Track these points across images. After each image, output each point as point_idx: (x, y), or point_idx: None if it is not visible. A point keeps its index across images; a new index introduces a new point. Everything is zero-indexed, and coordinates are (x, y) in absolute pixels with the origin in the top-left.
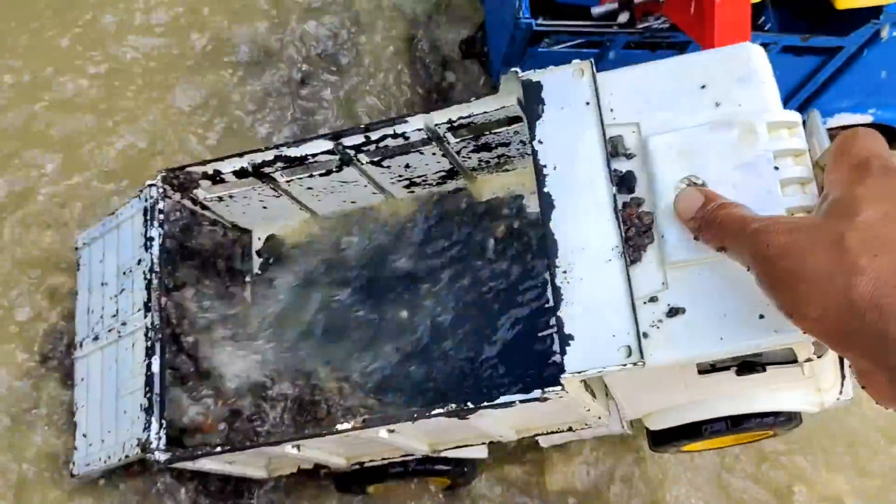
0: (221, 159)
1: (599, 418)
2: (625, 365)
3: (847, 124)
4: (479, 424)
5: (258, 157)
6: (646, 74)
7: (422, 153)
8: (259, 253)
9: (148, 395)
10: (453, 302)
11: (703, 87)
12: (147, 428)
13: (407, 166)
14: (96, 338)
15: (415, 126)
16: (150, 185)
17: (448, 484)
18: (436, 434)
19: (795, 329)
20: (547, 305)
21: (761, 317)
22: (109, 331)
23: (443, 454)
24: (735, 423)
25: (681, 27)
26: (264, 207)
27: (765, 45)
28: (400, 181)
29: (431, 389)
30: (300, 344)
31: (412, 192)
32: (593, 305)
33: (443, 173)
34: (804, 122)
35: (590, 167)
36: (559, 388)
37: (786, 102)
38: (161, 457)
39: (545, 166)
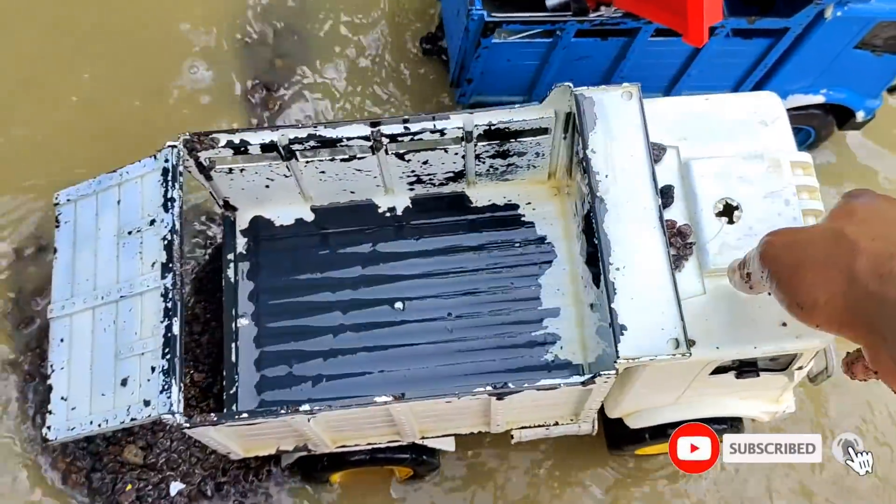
0: (252, 130)
1: (590, 411)
2: (673, 355)
3: (801, 105)
4: (496, 409)
5: (292, 133)
6: (683, 106)
7: (445, 151)
8: (244, 233)
9: (168, 357)
10: (449, 299)
11: (734, 124)
12: (166, 390)
13: (425, 163)
14: (85, 298)
15: (455, 124)
16: (172, 146)
17: (411, 473)
18: (436, 420)
19: (813, 335)
20: (540, 308)
21: (784, 324)
22: (105, 292)
23: (400, 444)
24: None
25: (651, 18)
26: (266, 187)
27: (713, 29)
28: (408, 177)
29: (424, 379)
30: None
31: (412, 189)
32: (644, 302)
33: (451, 174)
34: None
35: (638, 180)
36: (613, 372)
37: (739, 86)
38: (182, 420)
39: (598, 173)
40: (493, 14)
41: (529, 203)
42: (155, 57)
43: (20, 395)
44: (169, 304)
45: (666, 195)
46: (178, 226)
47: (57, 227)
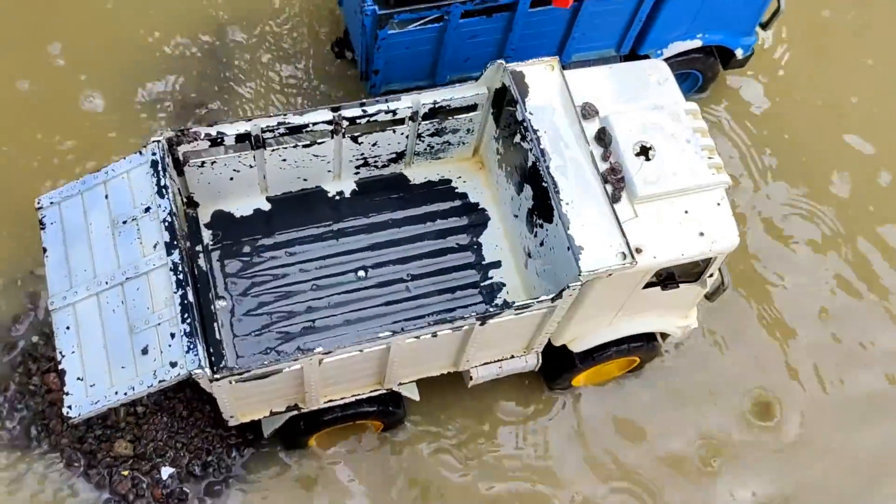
0: (228, 122)
1: (540, 346)
2: (623, 264)
3: (683, 51)
4: (473, 340)
5: (263, 122)
6: (593, 74)
7: (394, 132)
8: (208, 226)
9: (189, 321)
10: (405, 264)
11: (635, 85)
12: (192, 349)
13: (374, 144)
14: (87, 286)
15: (405, 104)
16: (156, 141)
17: (382, 427)
18: (415, 363)
19: (724, 239)
20: (483, 262)
21: (701, 234)
22: (108, 277)
23: (369, 396)
24: (618, 347)
25: None
26: (230, 179)
27: None
28: (357, 160)
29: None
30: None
31: (358, 172)
32: (592, 227)
33: (393, 155)
34: None
35: (570, 132)
36: (579, 284)
37: (622, 42)
38: (211, 374)
39: (537, 130)
40: (384, 8)
41: (460, 177)
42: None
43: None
44: (180, 276)
45: (602, 138)
46: (175, 209)
47: (42, 229)
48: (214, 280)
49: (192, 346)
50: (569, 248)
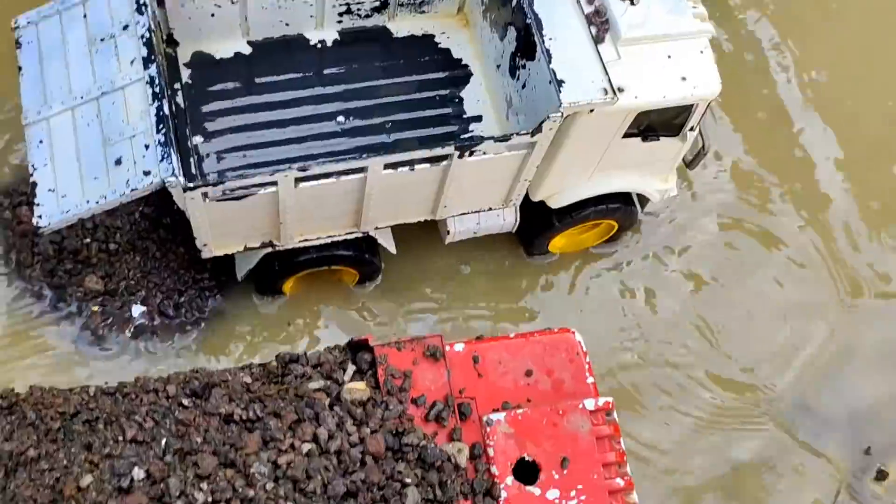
0: None
1: (518, 198)
2: (605, 100)
3: None
4: (452, 178)
5: None
6: None
7: None
8: (187, 65)
9: (164, 132)
10: (385, 114)
11: None
12: (166, 158)
13: None
14: (62, 101)
15: None
16: None
17: (358, 278)
18: (392, 204)
19: (707, 86)
20: (465, 116)
21: (684, 78)
22: (84, 92)
23: (345, 240)
24: (596, 207)
25: None
26: (211, 15)
27: None
28: (339, 7)
29: None
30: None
31: (340, 21)
32: (575, 63)
33: (377, 3)
34: None
35: None
36: (559, 115)
37: None
38: (185, 182)
39: None
40: None
41: (444, 33)
42: None
43: None
44: (157, 90)
45: None
46: (153, 25)
47: (19, 48)
48: (192, 116)
49: (166, 156)
50: (550, 82)
